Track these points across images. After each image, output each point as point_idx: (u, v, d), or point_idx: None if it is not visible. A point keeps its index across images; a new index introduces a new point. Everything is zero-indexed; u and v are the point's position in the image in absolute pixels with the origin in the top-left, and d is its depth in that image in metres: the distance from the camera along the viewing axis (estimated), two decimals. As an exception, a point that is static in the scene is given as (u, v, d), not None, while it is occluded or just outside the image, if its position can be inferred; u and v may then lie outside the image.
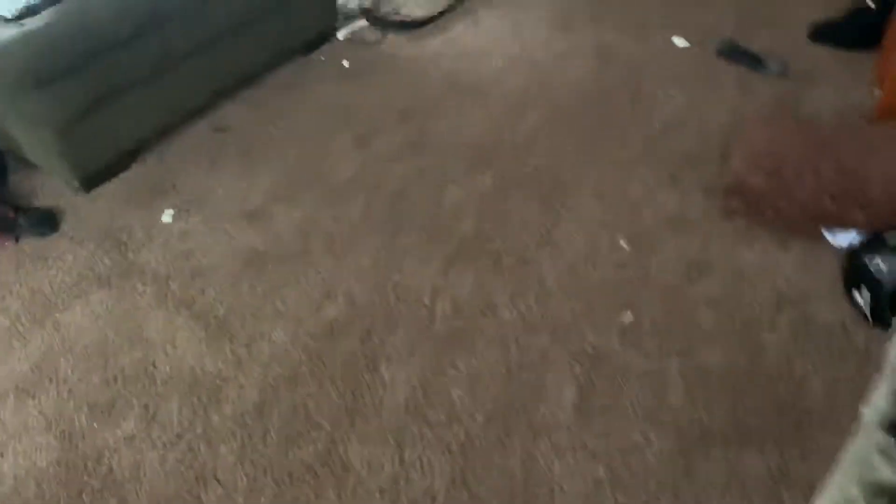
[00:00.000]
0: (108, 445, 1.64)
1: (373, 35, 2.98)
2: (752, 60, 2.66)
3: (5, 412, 1.73)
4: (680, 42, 2.81)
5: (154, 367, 1.80)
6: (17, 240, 2.17)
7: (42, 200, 2.30)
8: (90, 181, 2.31)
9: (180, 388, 1.75)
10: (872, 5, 2.75)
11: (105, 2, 2.10)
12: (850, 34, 2.74)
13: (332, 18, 2.94)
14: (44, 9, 2.05)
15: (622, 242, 2.04)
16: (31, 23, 2.01)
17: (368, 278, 1.99)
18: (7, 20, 2.02)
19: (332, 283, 1.99)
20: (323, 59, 2.87)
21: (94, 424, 1.68)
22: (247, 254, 2.08)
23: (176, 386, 1.75)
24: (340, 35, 2.97)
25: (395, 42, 2.96)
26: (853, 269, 1.83)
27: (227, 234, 2.14)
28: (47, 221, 2.20)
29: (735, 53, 2.70)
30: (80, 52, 2.06)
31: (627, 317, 1.84)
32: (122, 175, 2.36)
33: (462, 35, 2.97)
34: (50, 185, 2.34)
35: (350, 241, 2.11)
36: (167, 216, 2.21)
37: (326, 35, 2.93)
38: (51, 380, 1.79)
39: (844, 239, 1.95)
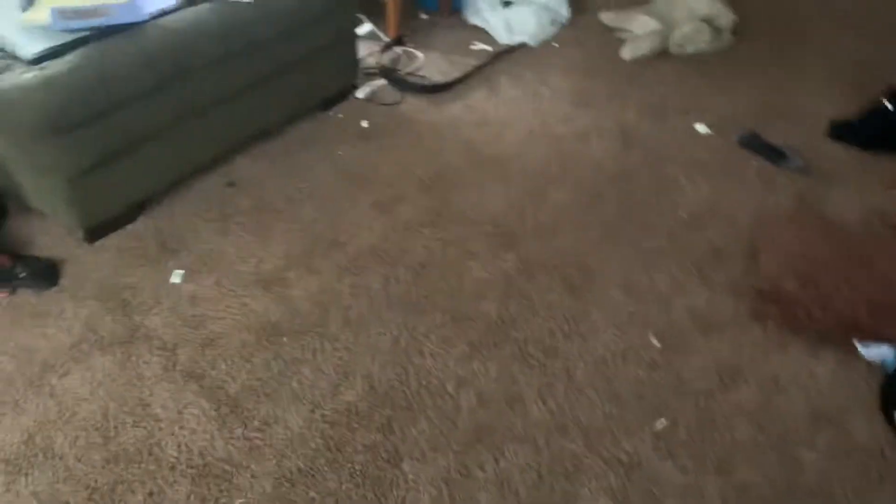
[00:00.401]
0: (107, 538, 1.51)
1: (392, 96, 2.93)
2: (774, 153, 2.66)
3: (-10, 489, 1.59)
4: (701, 128, 2.81)
5: (160, 447, 1.67)
6: (13, 291, 2.03)
7: (40, 249, 2.17)
8: (95, 232, 2.18)
9: (189, 474, 1.63)
10: (890, 107, 2.78)
11: (128, 52, 2.01)
12: (868, 134, 2.76)
13: (353, 76, 2.88)
14: (68, 52, 1.95)
15: (652, 339, 1.98)
16: (53, 67, 1.92)
17: (388, 360, 1.90)
18: (28, 62, 1.92)
19: (351, 363, 1.89)
20: (341, 116, 2.80)
21: (94, 512, 1.55)
22: (261, 324, 1.97)
23: (184, 471, 1.63)
24: (359, 94, 2.90)
25: (415, 104, 2.90)
26: (893, 393, 1.79)
27: (240, 301, 2.04)
28: (47, 273, 2.07)
29: (757, 145, 2.70)
30: (100, 101, 1.96)
31: (661, 423, 1.77)
32: (128, 227, 2.25)
33: (482, 103, 2.93)
34: (50, 233, 2.22)
35: (369, 316, 2.02)
36: (176, 276, 2.09)
37: (345, 93, 2.87)
38: (46, 455, 1.65)
39: (877, 353, 1.92)
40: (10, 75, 1.90)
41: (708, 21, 3.28)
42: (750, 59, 3.28)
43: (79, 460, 1.64)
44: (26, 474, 1.61)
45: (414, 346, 1.94)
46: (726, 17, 3.31)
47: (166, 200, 2.35)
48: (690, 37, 3.23)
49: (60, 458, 1.64)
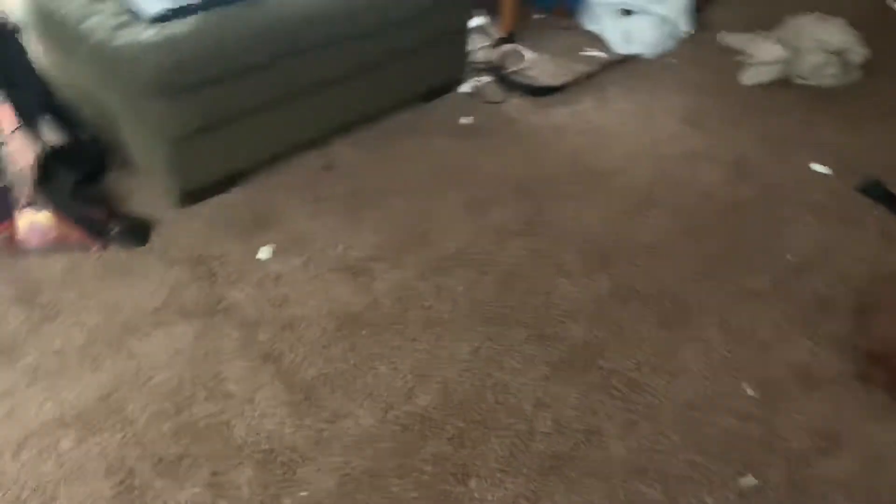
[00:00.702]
0: (167, 511, 1.49)
1: (496, 94, 2.85)
2: (897, 206, 2.48)
3: (65, 444, 1.59)
4: (819, 168, 2.64)
5: (228, 426, 1.65)
6: (105, 246, 2.05)
7: (135, 207, 2.19)
8: (190, 197, 2.19)
9: (255, 457, 1.60)
10: None
11: (247, 22, 1.99)
12: None
13: (459, 70, 2.81)
14: (188, 15, 1.95)
15: (746, 388, 1.86)
16: (172, 28, 1.91)
17: (466, 369, 1.84)
18: (149, 20, 1.92)
19: (428, 366, 1.83)
20: (442, 110, 2.74)
21: (157, 482, 1.54)
22: (342, 312, 1.94)
23: (250, 454, 1.60)
24: (463, 88, 2.83)
25: (519, 105, 2.82)
26: None
27: (325, 286, 2.00)
28: (139, 232, 2.08)
29: (879, 193, 2.52)
30: (213, 68, 1.95)
31: (749, 481, 1.66)
32: (222, 196, 2.24)
33: (589, 111, 2.83)
34: (146, 192, 2.23)
35: (450, 321, 1.95)
36: (265, 253, 2.07)
37: (450, 86, 2.81)
38: (118, 417, 1.65)
39: None
40: (129, 32, 1.91)
41: (837, 54, 3.08)
42: (879, 98, 3.06)
43: (149, 427, 1.63)
44: (97, 433, 1.61)
45: (494, 359, 1.87)
46: (858, 52, 3.10)
47: (262, 175, 2.34)
48: (817, 69, 3.04)
49: (131, 423, 1.64)
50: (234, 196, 2.26)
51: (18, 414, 1.64)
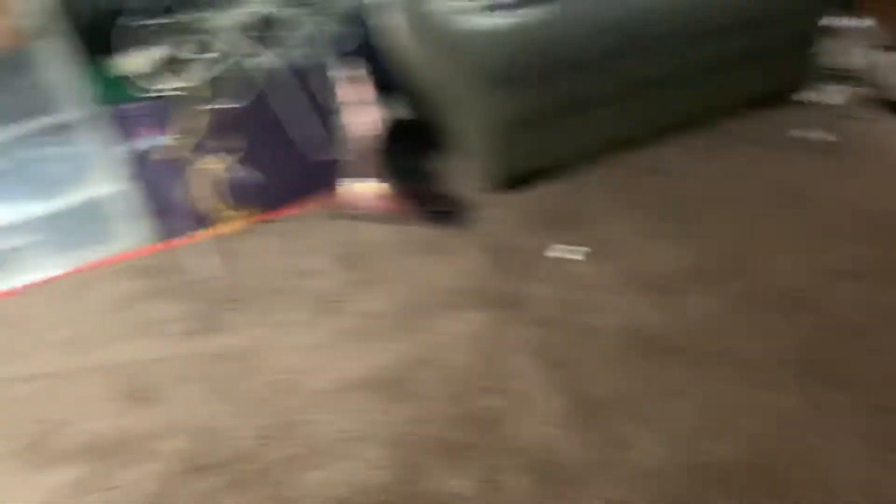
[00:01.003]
0: (439, 498, 1.50)
1: (858, 107, 2.45)
2: None
3: (359, 405, 1.68)
4: None
5: (510, 425, 1.62)
6: (425, 223, 2.13)
7: (453, 188, 2.25)
8: (507, 185, 2.20)
9: (532, 464, 1.54)
10: None
11: (596, 17, 1.93)
12: None
13: (802, 77, 2.46)
14: (537, 4, 1.92)
15: None
16: (523, 17, 1.90)
17: (775, 424, 1.59)
18: (503, 6, 1.93)
19: (730, 411, 1.63)
20: (780, 120, 2.43)
21: (433, 464, 1.55)
22: (641, 331, 1.80)
23: (527, 460, 1.55)
24: (807, 97, 2.48)
25: (890, 124, 2.40)
26: None
27: (627, 299, 1.88)
28: (456, 213, 2.14)
29: None
30: (555, 61, 1.92)
31: None
32: (539, 189, 2.22)
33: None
34: (465, 175, 2.29)
35: (762, 365, 1.72)
36: (571, 252, 2.01)
37: (789, 93, 2.47)
38: (409, 391, 1.70)
39: None
40: (478, 19, 1.94)
41: None
42: None
43: (435, 407, 1.66)
44: (389, 401, 1.68)
45: (810, 421, 1.61)
46: None
47: (581, 171, 2.27)
48: None
49: (420, 399, 1.68)
50: (551, 189, 2.22)
51: (327, 367, 1.77)
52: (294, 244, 2.13)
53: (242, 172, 2.06)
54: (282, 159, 2.16)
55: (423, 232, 2.12)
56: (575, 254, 2.00)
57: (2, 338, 1.91)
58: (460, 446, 1.58)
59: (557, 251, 2.01)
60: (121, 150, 1.95)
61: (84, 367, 1.80)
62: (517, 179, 2.20)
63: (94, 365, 1.81)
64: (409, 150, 2.26)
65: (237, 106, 1.93)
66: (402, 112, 2.38)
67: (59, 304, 1.99)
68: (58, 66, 1.76)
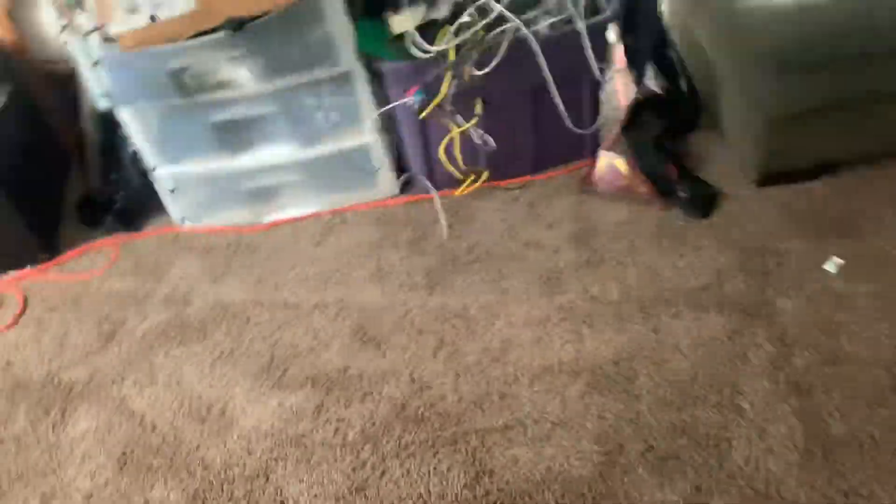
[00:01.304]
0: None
1: None
2: None
3: (572, 390, 1.63)
4: None
5: (729, 446, 1.48)
6: (667, 207, 1.99)
7: (708, 175, 2.07)
8: (769, 179, 1.98)
9: (745, 493, 1.41)
10: None
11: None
12: None
13: None
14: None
15: None
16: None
17: None
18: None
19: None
20: None
21: (640, 470, 1.47)
22: (906, 370, 1.56)
23: (741, 488, 1.42)
24: None
25: None
26: None
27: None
28: (704, 202, 1.98)
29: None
30: (846, 47, 1.67)
31: None
32: (804, 187, 1.98)
33: None
34: (722, 162, 2.10)
35: None
36: (832, 265, 1.78)
37: None
38: (625, 387, 1.62)
39: None
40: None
41: None
42: None
43: (651, 410, 1.57)
44: (602, 394, 1.62)
45: None
46: None
47: (860, 172, 1.98)
48: None
49: (636, 398, 1.60)
50: (820, 189, 1.97)
51: (543, 345, 1.74)
52: (530, 213, 2.10)
53: (486, 137, 2.06)
54: (529, 127, 2.13)
55: (665, 217, 1.99)
56: (837, 266, 1.77)
57: (253, 266, 2.11)
58: (671, 457, 1.49)
59: (820, 261, 1.78)
60: (384, 105, 2.03)
61: (320, 303, 1.94)
62: (785, 173, 1.98)
63: (329, 301, 1.94)
64: (664, 129, 2.11)
65: (491, 70, 1.92)
66: (660, 86, 2.23)
67: (307, 242, 2.15)
68: (335, 21, 1.85)
